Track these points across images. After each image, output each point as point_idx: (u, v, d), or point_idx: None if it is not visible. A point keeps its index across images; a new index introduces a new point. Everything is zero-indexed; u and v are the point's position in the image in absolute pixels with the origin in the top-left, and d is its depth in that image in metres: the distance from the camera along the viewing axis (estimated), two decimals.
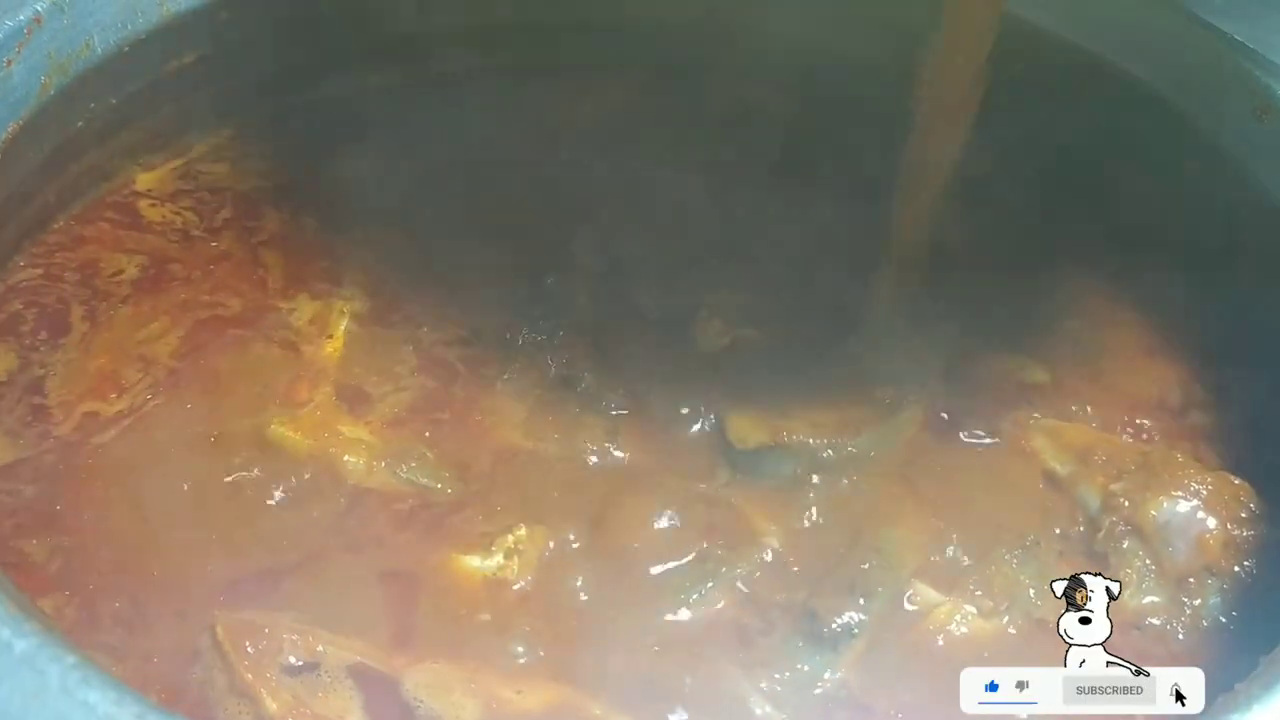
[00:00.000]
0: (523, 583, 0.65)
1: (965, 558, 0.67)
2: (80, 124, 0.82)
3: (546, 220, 0.85)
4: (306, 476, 0.69)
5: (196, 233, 0.83)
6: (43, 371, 0.73)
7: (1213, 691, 0.55)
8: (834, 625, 0.63)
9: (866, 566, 0.66)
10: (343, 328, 0.77)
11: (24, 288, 0.78)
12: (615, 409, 0.73)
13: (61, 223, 0.83)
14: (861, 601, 0.64)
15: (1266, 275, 0.79)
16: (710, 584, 0.66)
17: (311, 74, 0.97)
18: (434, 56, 0.99)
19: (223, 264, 0.80)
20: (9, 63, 0.74)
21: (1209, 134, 0.81)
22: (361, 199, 0.86)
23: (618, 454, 0.71)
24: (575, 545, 0.67)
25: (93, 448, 0.69)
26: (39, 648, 0.47)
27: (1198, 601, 0.66)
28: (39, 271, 0.79)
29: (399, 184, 0.87)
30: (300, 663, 0.60)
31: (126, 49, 0.82)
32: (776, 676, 0.62)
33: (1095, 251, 0.87)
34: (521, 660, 0.62)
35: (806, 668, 0.62)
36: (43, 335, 0.75)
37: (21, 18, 0.75)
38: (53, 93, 0.77)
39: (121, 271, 0.79)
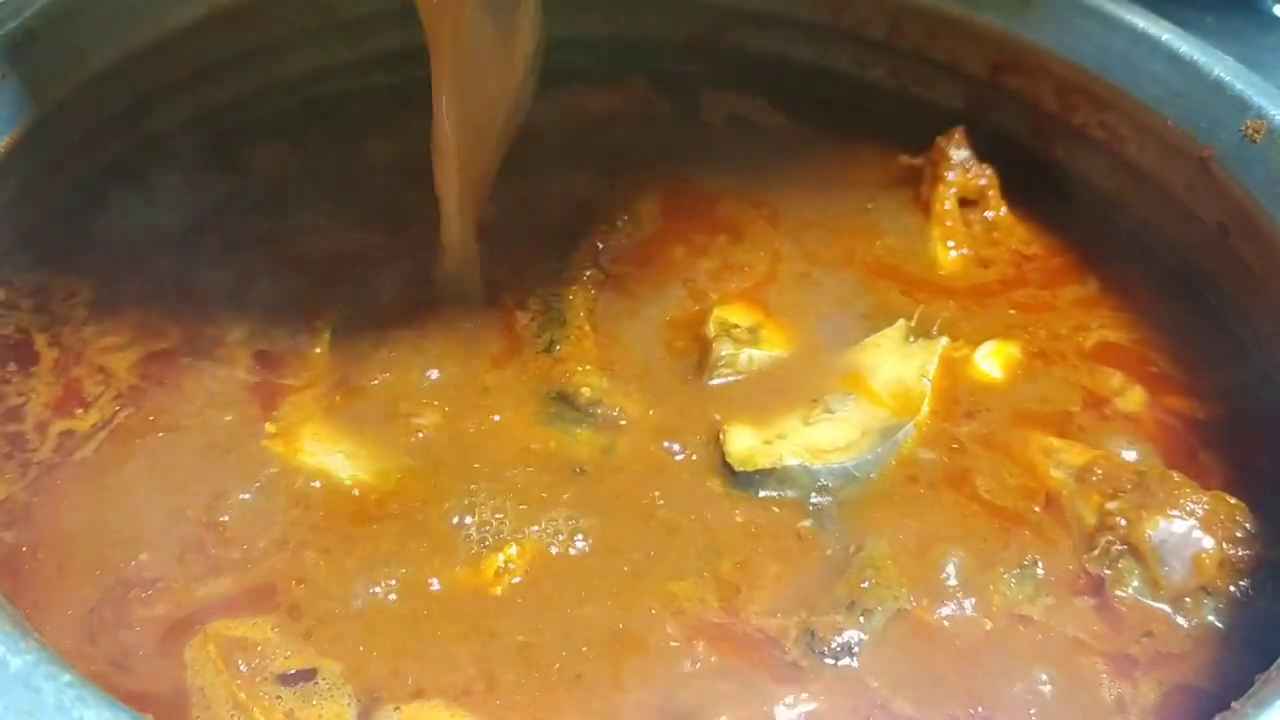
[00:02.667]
0: (515, 597, 0.65)
1: (964, 574, 0.67)
2: (74, 138, 0.82)
3: (543, 228, 0.86)
4: (298, 487, 0.68)
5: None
6: (21, 400, 0.72)
7: (1209, 710, 0.55)
8: (834, 644, 0.63)
9: (865, 585, 0.66)
10: (326, 337, 0.77)
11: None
12: (614, 425, 0.73)
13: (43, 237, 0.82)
14: (861, 620, 0.64)
15: (1258, 293, 0.80)
16: (711, 602, 0.65)
17: (301, 85, 0.97)
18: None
19: (169, 292, 0.79)
20: (3, 76, 0.74)
21: (1199, 153, 0.81)
22: (331, 211, 0.86)
23: (616, 470, 0.71)
24: (569, 562, 0.67)
25: (75, 464, 0.69)
26: (35, 665, 0.47)
27: (1194, 621, 0.66)
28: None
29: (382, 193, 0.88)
30: (294, 672, 0.60)
31: (122, 64, 0.82)
32: (779, 692, 0.62)
33: (1086, 268, 0.87)
34: (516, 677, 0.61)
35: (807, 685, 0.62)
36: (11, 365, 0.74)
37: (16, 31, 0.75)
38: (48, 107, 0.77)
39: (75, 295, 0.78)
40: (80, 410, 0.72)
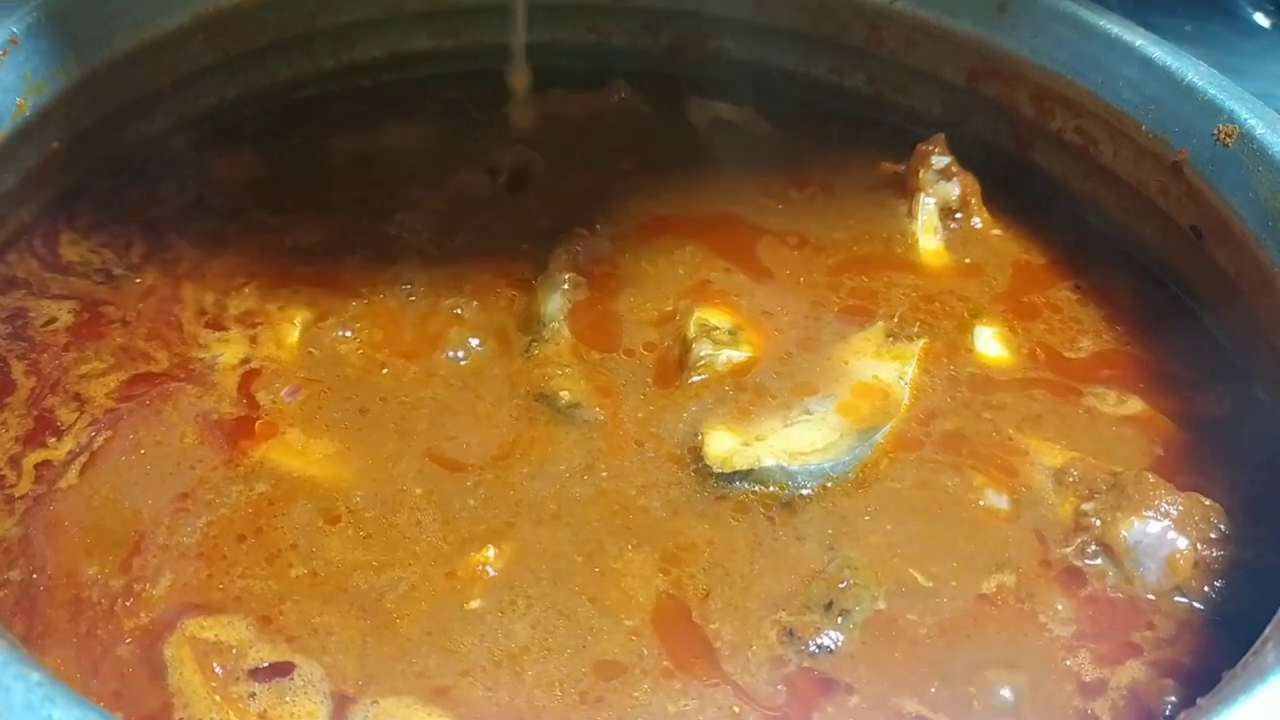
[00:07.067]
0: (493, 596, 0.65)
1: (941, 574, 0.68)
2: (55, 145, 0.82)
3: (523, 231, 0.86)
4: (277, 489, 0.69)
5: (119, 270, 0.82)
6: None
7: (1179, 705, 0.55)
8: (813, 643, 0.64)
9: (843, 585, 0.66)
10: (294, 339, 0.77)
11: None
12: (594, 427, 0.73)
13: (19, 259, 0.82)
14: (840, 620, 0.65)
15: (1232, 295, 0.80)
16: (690, 602, 0.65)
17: (286, 90, 0.98)
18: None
19: (148, 299, 0.80)
20: None
21: (1173, 157, 0.82)
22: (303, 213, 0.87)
23: (595, 472, 0.71)
24: (547, 563, 0.67)
25: (61, 492, 0.68)
26: (3, 665, 0.47)
27: (1168, 619, 0.66)
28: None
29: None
30: (267, 668, 0.60)
31: (103, 72, 0.83)
32: (756, 689, 0.62)
33: (1064, 271, 0.88)
34: (492, 677, 0.61)
35: (783, 686, 0.62)
36: None
37: None
38: (28, 114, 0.78)
39: (55, 320, 0.78)
40: (53, 439, 0.70)
